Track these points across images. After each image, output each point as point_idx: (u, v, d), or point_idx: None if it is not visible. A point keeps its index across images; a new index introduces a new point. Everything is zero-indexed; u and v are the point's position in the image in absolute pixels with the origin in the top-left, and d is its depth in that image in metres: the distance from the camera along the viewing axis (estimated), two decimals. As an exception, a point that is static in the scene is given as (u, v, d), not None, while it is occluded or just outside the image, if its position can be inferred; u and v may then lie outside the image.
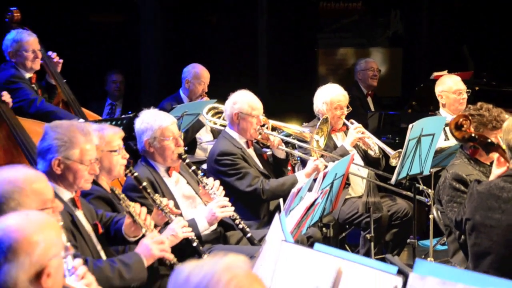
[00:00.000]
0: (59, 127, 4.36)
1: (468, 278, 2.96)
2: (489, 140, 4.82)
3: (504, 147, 4.47)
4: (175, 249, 4.74)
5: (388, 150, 6.93)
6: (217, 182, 5.58)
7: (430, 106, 8.54)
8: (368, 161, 7.04)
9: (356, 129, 6.90)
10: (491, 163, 4.86)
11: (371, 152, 7.01)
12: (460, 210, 4.73)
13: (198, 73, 8.38)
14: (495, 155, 4.66)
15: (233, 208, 5.44)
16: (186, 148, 6.37)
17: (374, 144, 7.03)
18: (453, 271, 3.09)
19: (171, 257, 4.49)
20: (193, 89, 8.27)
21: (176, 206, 5.20)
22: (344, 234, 7.28)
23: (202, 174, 5.76)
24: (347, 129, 7.05)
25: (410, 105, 9.58)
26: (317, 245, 3.48)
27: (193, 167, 5.64)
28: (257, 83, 10.20)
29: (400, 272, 3.11)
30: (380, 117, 8.97)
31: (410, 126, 6.02)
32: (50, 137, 4.30)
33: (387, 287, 3.05)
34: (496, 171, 4.56)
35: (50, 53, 6.91)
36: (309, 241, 5.56)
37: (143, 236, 4.49)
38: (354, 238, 7.21)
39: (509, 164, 4.36)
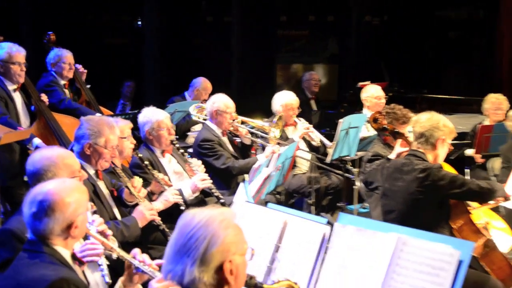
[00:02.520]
0: (91, 120, 4.45)
1: (375, 225, 3.10)
2: (396, 130, 5.00)
3: (407, 135, 4.62)
4: (167, 213, 4.84)
5: (326, 141, 6.99)
6: (199, 161, 5.62)
7: (357, 107, 8.62)
8: (311, 148, 7.07)
9: (303, 126, 7.00)
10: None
11: (313, 143, 7.07)
12: (372, 173, 4.91)
13: (207, 87, 8.41)
14: (399, 141, 4.84)
15: (210, 180, 5.44)
16: (177, 136, 6.37)
17: (316, 137, 7.12)
18: (365, 221, 3.20)
19: (158, 219, 4.57)
20: (198, 96, 8.28)
21: (169, 179, 5.25)
22: (292, 201, 7.28)
23: (189, 155, 5.83)
24: (297, 124, 7.13)
25: (342, 106, 9.63)
26: (269, 204, 3.60)
27: (181, 150, 5.67)
28: (230, 88, 10.19)
29: (328, 223, 3.25)
30: (321, 115, 9.05)
31: (340, 120, 6.13)
32: (84, 127, 4.36)
33: (319, 233, 3.17)
34: (398, 149, 4.77)
35: (77, 65, 6.90)
36: (266, 205, 5.62)
37: (137, 203, 4.57)
38: (300, 203, 7.24)
39: (410, 146, 4.51)
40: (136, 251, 3.09)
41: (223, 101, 6.44)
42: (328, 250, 3.11)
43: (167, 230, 4.59)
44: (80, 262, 3.17)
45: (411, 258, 2.86)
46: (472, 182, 4.27)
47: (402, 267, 2.88)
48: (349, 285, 2.99)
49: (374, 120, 5.23)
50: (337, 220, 3.16)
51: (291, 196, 7.14)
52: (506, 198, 4.57)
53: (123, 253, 3.14)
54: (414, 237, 2.92)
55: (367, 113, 7.09)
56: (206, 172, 5.60)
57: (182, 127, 7.69)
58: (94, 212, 3.69)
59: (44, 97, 6.05)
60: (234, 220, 2.27)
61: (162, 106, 6.11)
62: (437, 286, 2.74)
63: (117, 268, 3.53)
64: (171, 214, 4.89)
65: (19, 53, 5.85)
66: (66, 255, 2.95)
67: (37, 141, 5.60)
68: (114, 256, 3.60)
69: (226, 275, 2.17)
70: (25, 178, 5.78)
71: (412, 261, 2.85)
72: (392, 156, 4.71)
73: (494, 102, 7.44)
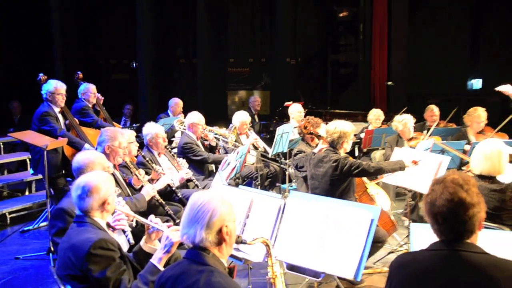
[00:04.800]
0: (108, 130, 4.41)
1: (313, 198, 3.13)
2: (319, 134, 5.05)
3: (325, 137, 4.65)
4: (163, 194, 4.82)
5: (267, 148, 6.93)
6: (184, 160, 5.60)
7: (284, 119, 8.67)
8: (256, 149, 7.04)
9: (253, 136, 6.97)
10: (316, 144, 5.09)
11: (259, 149, 7.00)
12: (301, 160, 4.96)
13: (179, 103, 8.14)
14: (321, 140, 4.88)
15: (191, 172, 5.45)
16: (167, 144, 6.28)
17: (261, 145, 7.05)
18: (307, 195, 3.24)
19: (158, 196, 4.56)
20: (176, 110, 8.07)
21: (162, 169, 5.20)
22: (244, 183, 7.21)
23: (176, 154, 5.80)
24: (248, 135, 7.08)
25: (274, 118, 9.65)
26: (240, 186, 3.59)
27: (172, 152, 5.67)
28: (198, 108, 10.02)
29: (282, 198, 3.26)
30: (260, 125, 9.08)
31: (277, 128, 6.13)
32: (104, 135, 4.33)
33: (276, 205, 3.18)
34: (320, 146, 4.79)
35: (97, 94, 6.78)
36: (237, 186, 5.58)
37: (142, 186, 4.55)
38: (249, 185, 7.16)
39: (327, 145, 4.56)
40: (152, 216, 3.04)
41: (197, 117, 6.40)
42: (283, 216, 3.13)
43: (164, 202, 4.60)
44: (113, 229, 3.13)
45: (339, 219, 2.90)
46: (366, 164, 4.31)
47: (334, 225, 2.91)
48: (298, 239, 3.00)
49: (304, 127, 5.28)
50: (289, 195, 3.17)
51: (243, 180, 7.11)
52: (414, 163, 4.57)
53: (142, 219, 3.08)
54: (339, 205, 2.97)
55: (293, 123, 7.13)
56: (188, 165, 5.59)
57: (168, 135, 7.57)
58: (119, 195, 3.63)
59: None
60: (227, 198, 2.24)
61: (151, 120, 6.11)
62: (357, 236, 2.78)
63: (136, 233, 3.48)
64: (165, 195, 4.95)
65: (62, 87, 5.84)
66: (103, 223, 2.89)
67: (87, 146, 5.59)
68: (134, 224, 3.55)
69: (224, 236, 2.16)
70: (63, 171, 5.78)
71: (340, 221, 2.89)
72: (316, 150, 4.75)
73: (375, 114, 7.64)
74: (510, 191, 3.59)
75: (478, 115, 6.44)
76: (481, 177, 3.67)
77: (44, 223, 6.16)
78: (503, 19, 10.90)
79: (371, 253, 4.18)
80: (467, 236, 2.01)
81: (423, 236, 2.58)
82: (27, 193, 7.39)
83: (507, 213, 3.61)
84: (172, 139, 7.86)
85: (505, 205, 3.58)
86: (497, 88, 5.42)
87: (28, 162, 7.54)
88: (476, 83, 12.14)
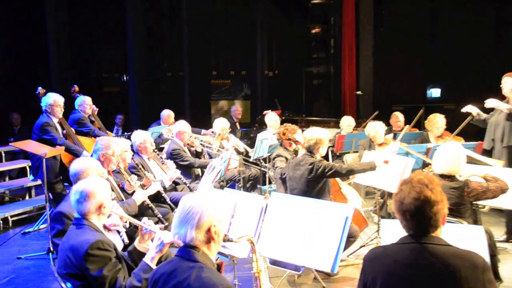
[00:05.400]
0: (103, 139, 4.33)
1: (292, 198, 3.13)
2: (296, 139, 5.05)
3: (302, 142, 4.65)
4: (154, 197, 4.76)
5: (248, 148, 6.99)
6: (172, 161, 5.54)
7: (263, 126, 8.63)
8: (238, 153, 7.01)
9: (233, 140, 6.96)
10: (294, 150, 5.09)
11: (240, 149, 7.02)
12: (283, 170, 4.93)
13: (170, 114, 7.96)
14: (300, 145, 4.88)
15: (179, 171, 5.40)
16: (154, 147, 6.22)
17: (242, 147, 7.07)
18: (286, 196, 3.25)
19: (148, 200, 4.47)
20: (167, 121, 7.90)
21: (154, 176, 5.14)
22: (228, 185, 7.17)
23: (165, 158, 5.76)
24: (229, 139, 7.05)
25: (254, 126, 9.63)
26: (225, 189, 3.57)
27: (160, 156, 5.62)
28: (184, 117, 9.91)
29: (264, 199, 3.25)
30: (241, 132, 9.02)
31: (257, 135, 6.11)
32: (99, 143, 4.26)
33: (259, 205, 3.16)
34: (301, 151, 4.77)
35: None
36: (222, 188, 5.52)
37: (134, 191, 4.46)
38: (233, 187, 7.12)
39: (305, 149, 4.58)
40: (145, 219, 3.00)
41: (184, 125, 6.35)
42: (265, 215, 3.13)
43: (154, 207, 4.51)
44: (108, 230, 3.09)
45: (317, 217, 2.91)
46: (339, 166, 4.32)
47: (312, 223, 2.92)
48: (280, 236, 3.00)
49: (283, 134, 5.28)
50: (270, 196, 3.17)
51: (227, 183, 7.07)
52: (386, 162, 4.44)
53: (136, 221, 3.05)
54: (316, 204, 2.98)
55: (271, 130, 7.12)
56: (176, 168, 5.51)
57: (159, 144, 7.50)
58: (113, 199, 3.57)
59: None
60: (214, 200, 2.23)
61: (141, 129, 6.05)
62: (333, 231, 2.80)
63: (130, 234, 3.43)
64: (156, 196, 4.87)
65: (60, 100, 5.78)
66: (99, 225, 2.86)
67: (85, 153, 5.52)
68: (128, 225, 3.50)
69: (212, 235, 2.14)
70: (61, 177, 5.69)
71: (318, 218, 2.90)
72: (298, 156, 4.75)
73: (347, 121, 7.72)
74: (466, 187, 3.67)
75: (437, 121, 6.55)
76: (442, 176, 3.74)
77: (44, 225, 6.11)
78: (457, 38, 11.19)
79: (345, 247, 4.20)
80: (432, 230, 2.05)
81: (392, 231, 2.60)
82: (27, 197, 7.34)
83: (465, 208, 3.69)
84: (162, 146, 7.82)
85: (463, 200, 3.66)
86: (463, 109, 5.56)
87: (28, 169, 7.49)
88: (435, 92, 12.40)
